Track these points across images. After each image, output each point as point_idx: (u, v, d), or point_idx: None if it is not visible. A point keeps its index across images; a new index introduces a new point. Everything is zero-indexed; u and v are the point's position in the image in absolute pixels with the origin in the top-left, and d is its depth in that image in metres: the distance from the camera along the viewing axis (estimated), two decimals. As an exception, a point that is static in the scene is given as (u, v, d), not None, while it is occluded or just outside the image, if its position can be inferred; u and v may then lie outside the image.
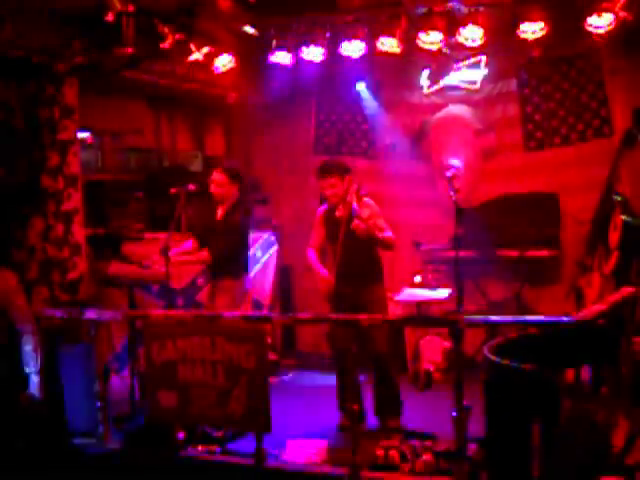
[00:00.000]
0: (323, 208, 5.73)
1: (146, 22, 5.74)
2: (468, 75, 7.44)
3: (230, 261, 5.74)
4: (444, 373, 6.67)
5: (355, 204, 5.32)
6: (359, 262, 5.49)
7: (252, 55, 6.92)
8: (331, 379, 5.64)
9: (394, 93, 7.92)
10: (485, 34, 6.06)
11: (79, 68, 5.78)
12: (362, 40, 6.35)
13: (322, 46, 6.49)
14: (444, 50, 6.48)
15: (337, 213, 5.55)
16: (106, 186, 6.99)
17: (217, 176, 5.75)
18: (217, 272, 5.82)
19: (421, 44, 6.28)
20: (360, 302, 5.38)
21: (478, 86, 7.46)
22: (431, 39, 6.21)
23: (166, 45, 5.91)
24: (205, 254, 5.76)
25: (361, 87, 7.87)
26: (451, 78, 7.52)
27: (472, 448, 4.51)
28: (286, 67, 6.79)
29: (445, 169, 6.62)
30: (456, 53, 6.90)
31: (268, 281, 7.93)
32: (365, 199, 5.43)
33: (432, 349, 6.77)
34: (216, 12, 6.21)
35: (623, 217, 6.21)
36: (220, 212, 5.84)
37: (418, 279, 7.16)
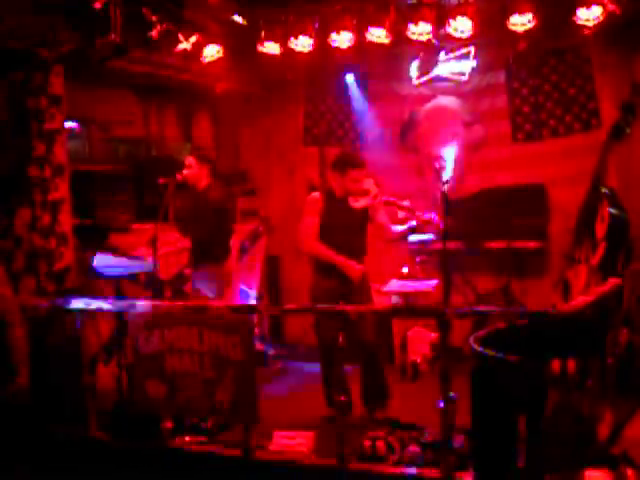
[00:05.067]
0: (320, 194, 5.62)
1: (134, 11, 5.71)
2: (457, 66, 7.44)
3: (210, 245, 5.78)
4: (431, 364, 6.69)
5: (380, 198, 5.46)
6: (355, 252, 5.50)
7: (240, 45, 6.89)
8: (318, 370, 5.64)
9: (383, 84, 7.91)
10: (474, 26, 6.05)
11: (66, 56, 5.73)
12: (351, 31, 6.33)
13: (311, 36, 6.47)
14: (433, 41, 6.48)
15: (356, 204, 5.50)
16: (93, 176, 6.94)
17: (187, 160, 5.97)
18: (198, 258, 5.88)
19: (410, 35, 6.27)
20: (348, 293, 5.38)
21: (467, 78, 7.46)
22: (420, 30, 6.19)
23: (154, 34, 5.87)
24: (187, 241, 5.85)
25: (350, 78, 7.85)
26: (440, 69, 7.52)
27: (459, 439, 4.54)
28: (275, 57, 6.77)
29: (433, 160, 6.63)
30: (445, 44, 6.89)
31: (256, 272, 7.92)
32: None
33: (419, 340, 6.79)
34: (204, 1, 6.18)
35: (610, 209, 6.24)
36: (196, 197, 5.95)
37: (405, 270, 7.18)
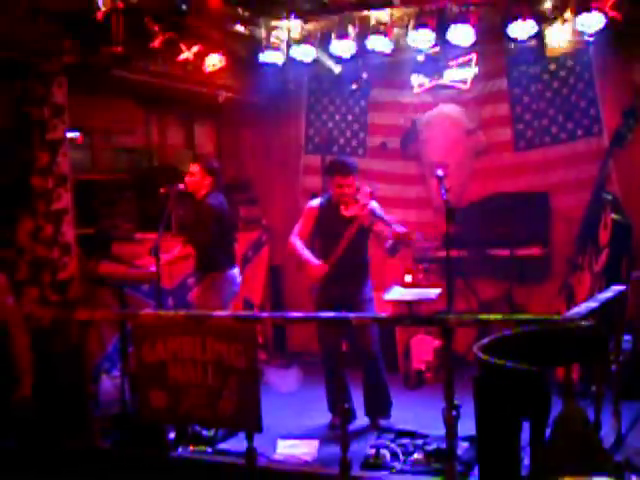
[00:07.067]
0: (318, 202, 5.67)
1: (136, 21, 5.73)
2: (459, 74, 7.44)
3: (212, 254, 5.77)
4: (435, 372, 6.67)
5: (372, 207, 5.36)
6: (355, 262, 5.49)
7: (242, 54, 6.91)
8: (321, 378, 5.64)
9: (385, 92, 7.92)
10: (476, 33, 6.07)
11: (68, 67, 5.75)
12: (352, 39, 6.35)
13: (312, 45, 6.49)
14: (435, 49, 6.50)
15: (346, 212, 5.50)
16: (96, 186, 6.95)
17: (192, 167, 5.93)
18: (201, 268, 5.87)
19: (412, 43, 6.29)
20: (350, 302, 5.38)
21: (468, 85, 7.47)
22: (422, 38, 6.21)
23: (156, 44, 5.89)
24: (189, 248, 5.85)
25: (351, 86, 7.86)
26: (442, 77, 7.53)
27: (463, 447, 4.53)
28: (276, 66, 6.79)
29: (435, 168, 6.64)
30: (447, 52, 6.89)
31: (259, 281, 7.92)
32: (373, 202, 5.46)
33: (423, 348, 6.77)
34: (206, 11, 6.19)
35: (613, 216, 6.24)
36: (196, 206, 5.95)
37: (409, 278, 7.16)
